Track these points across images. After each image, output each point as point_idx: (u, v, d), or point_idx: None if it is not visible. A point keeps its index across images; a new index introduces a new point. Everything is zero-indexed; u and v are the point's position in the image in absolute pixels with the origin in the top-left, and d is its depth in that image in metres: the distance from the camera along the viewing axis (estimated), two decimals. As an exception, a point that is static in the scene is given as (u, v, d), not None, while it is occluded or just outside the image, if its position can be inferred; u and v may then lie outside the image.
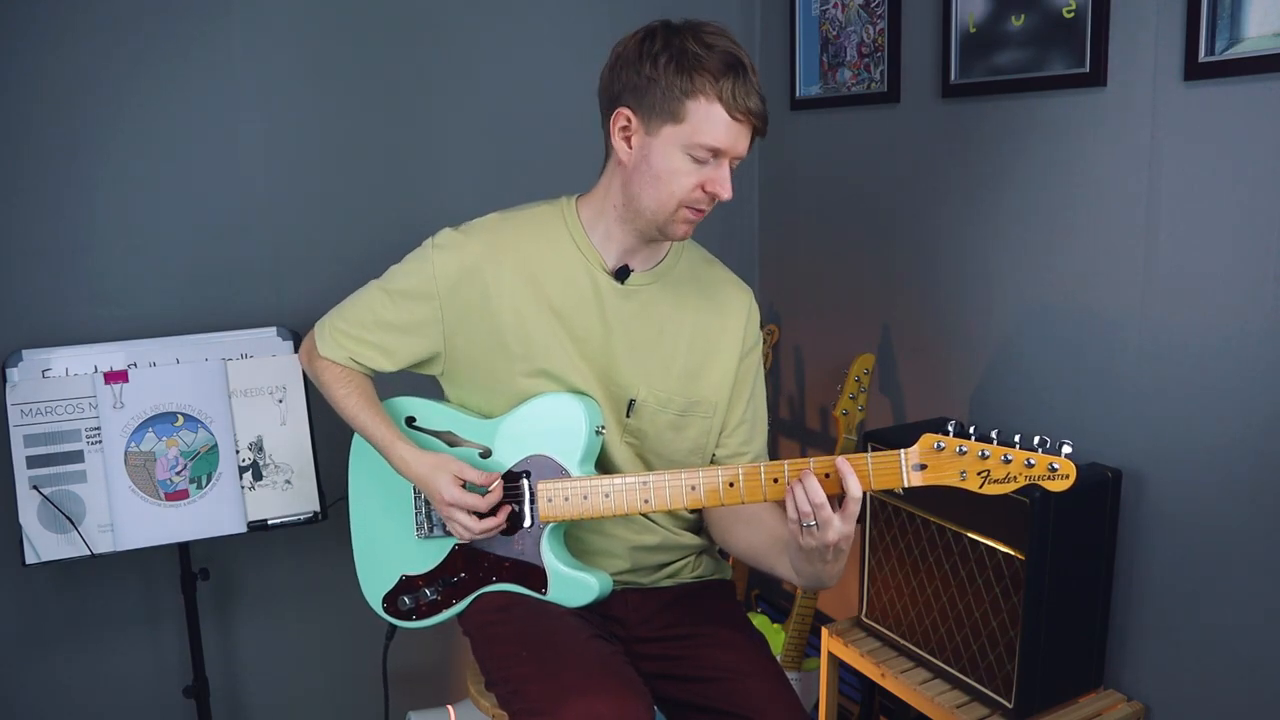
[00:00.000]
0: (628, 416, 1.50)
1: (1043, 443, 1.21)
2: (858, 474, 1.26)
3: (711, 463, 1.59)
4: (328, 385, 1.54)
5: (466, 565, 1.51)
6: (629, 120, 1.36)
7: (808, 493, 1.24)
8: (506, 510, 1.44)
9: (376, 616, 1.60)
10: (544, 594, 1.46)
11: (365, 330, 1.51)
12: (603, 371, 1.48)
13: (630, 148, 1.37)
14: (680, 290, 1.51)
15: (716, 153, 1.33)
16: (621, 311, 1.47)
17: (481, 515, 1.43)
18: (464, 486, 1.42)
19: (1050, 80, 1.80)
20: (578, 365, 1.47)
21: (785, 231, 2.55)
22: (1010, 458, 1.22)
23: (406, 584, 1.55)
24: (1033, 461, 1.21)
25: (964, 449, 1.23)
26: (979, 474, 1.23)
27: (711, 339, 1.53)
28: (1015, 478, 1.22)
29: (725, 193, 1.35)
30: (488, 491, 1.42)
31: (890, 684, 1.88)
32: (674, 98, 1.31)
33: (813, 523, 1.24)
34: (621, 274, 1.47)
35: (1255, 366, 1.56)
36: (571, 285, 1.46)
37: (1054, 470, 1.20)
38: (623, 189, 1.41)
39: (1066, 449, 1.20)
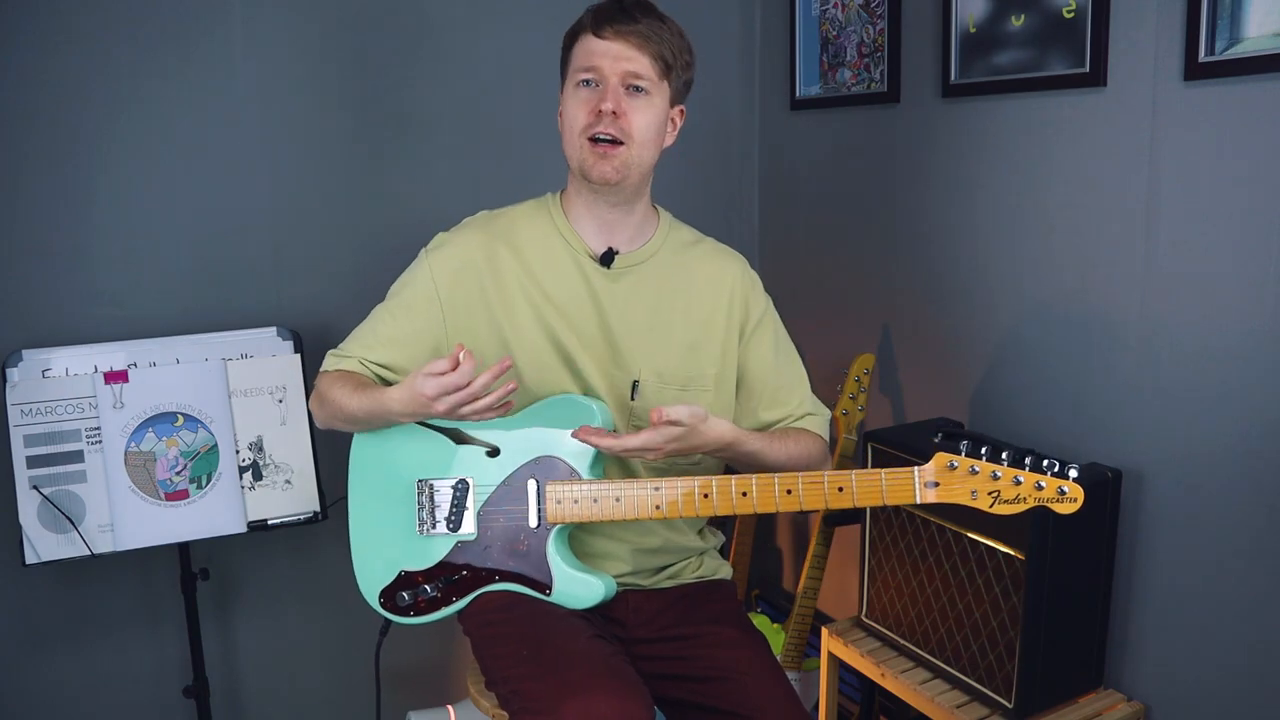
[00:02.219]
0: (632, 399, 1.50)
1: (1052, 465, 1.24)
2: (871, 491, 1.32)
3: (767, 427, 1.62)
4: (326, 393, 1.51)
5: (468, 563, 1.51)
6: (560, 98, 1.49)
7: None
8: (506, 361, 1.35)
9: (376, 616, 1.59)
10: (548, 595, 1.46)
11: (371, 351, 1.53)
12: (602, 358, 1.49)
13: (561, 122, 1.49)
14: (669, 268, 1.53)
15: (594, 72, 1.41)
16: (613, 295, 1.49)
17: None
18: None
19: (1050, 80, 1.80)
20: (579, 354, 1.48)
21: (785, 231, 2.55)
22: (1021, 479, 1.25)
23: (405, 580, 1.54)
24: (1043, 485, 1.24)
25: (976, 469, 1.26)
26: (989, 494, 1.26)
27: (706, 312, 1.54)
28: (1025, 499, 1.26)
29: (606, 104, 1.40)
30: (454, 368, 1.32)
31: (890, 684, 1.88)
32: (566, 52, 1.48)
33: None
34: (607, 259, 1.49)
35: (1255, 366, 1.56)
36: (562, 274, 1.49)
37: (1063, 494, 1.24)
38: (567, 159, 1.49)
39: (1073, 473, 1.23)
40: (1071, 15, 1.75)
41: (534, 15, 2.25)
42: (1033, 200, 1.87)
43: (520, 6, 2.23)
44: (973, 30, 1.94)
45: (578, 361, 1.48)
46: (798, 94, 2.42)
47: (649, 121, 1.43)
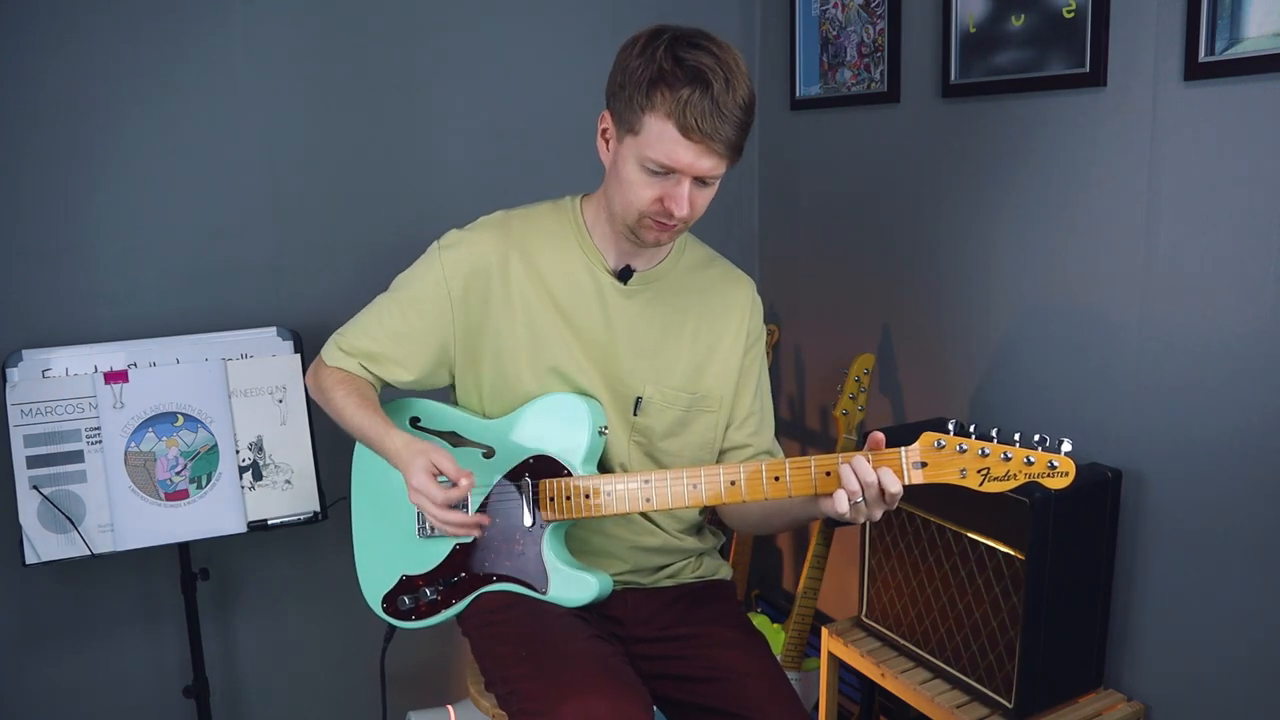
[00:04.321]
0: (635, 415, 1.50)
1: (1042, 441, 1.21)
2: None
3: (718, 456, 1.59)
4: (328, 390, 1.50)
5: (466, 565, 1.51)
6: (609, 124, 1.37)
7: (858, 473, 1.24)
8: (484, 519, 1.40)
9: (377, 616, 1.59)
10: (544, 594, 1.46)
11: (376, 343, 1.50)
12: (608, 371, 1.48)
13: (608, 150, 1.38)
14: (682, 288, 1.52)
15: (669, 169, 1.30)
16: (625, 311, 1.48)
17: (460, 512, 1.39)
18: (438, 478, 1.35)
19: (1050, 80, 1.80)
20: (583, 365, 1.47)
21: (785, 232, 2.55)
22: (1009, 455, 1.22)
23: (406, 584, 1.55)
24: (1032, 459, 1.21)
25: (964, 447, 1.23)
26: (979, 472, 1.23)
27: (715, 334, 1.53)
28: (1015, 475, 1.22)
29: (680, 210, 1.31)
30: (453, 485, 1.34)
31: (890, 684, 1.88)
32: (634, 110, 1.29)
33: (861, 500, 1.25)
34: (624, 275, 1.47)
35: (1255, 366, 1.56)
36: (576, 284, 1.47)
37: (1053, 468, 1.20)
38: (605, 190, 1.42)
39: (1066, 446, 1.20)
40: (1071, 15, 1.75)
41: (537, 13, 2.25)
42: (1033, 200, 1.87)
43: (523, 4, 2.23)
44: (973, 30, 1.93)
45: (581, 374, 1.47)
46: (797, 94, 2.42)
47: (709, 200, 1.37)
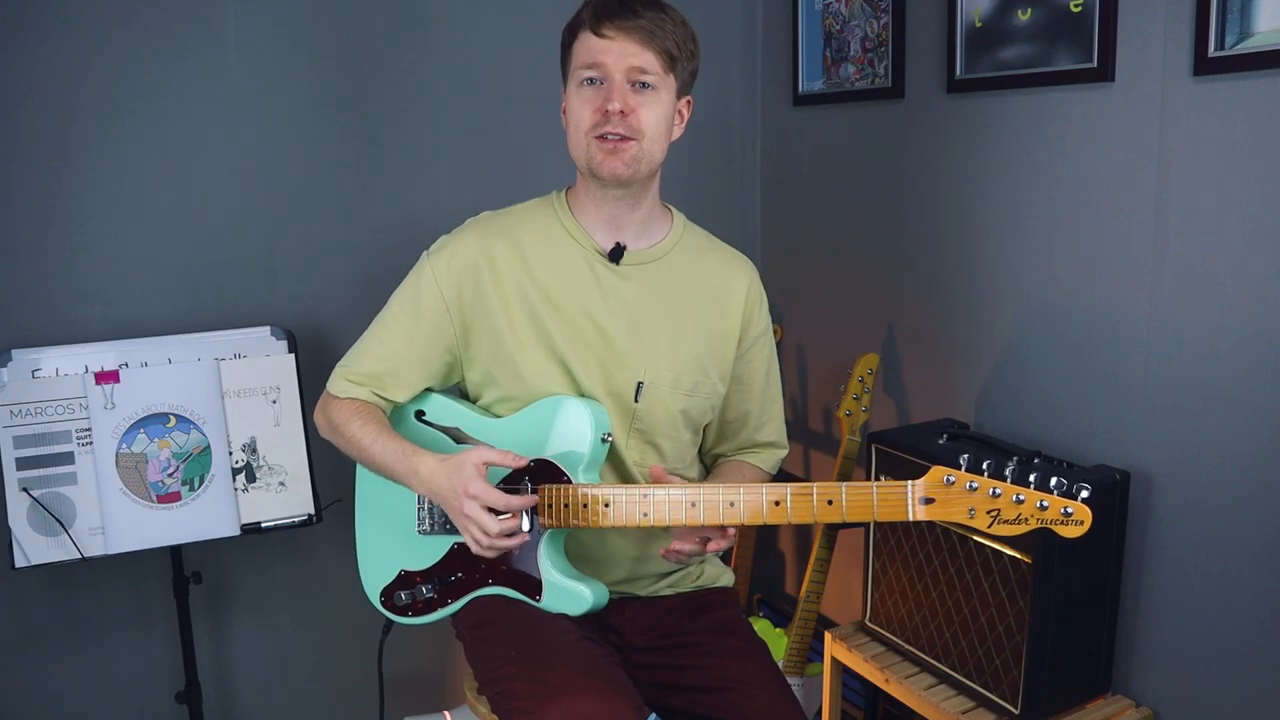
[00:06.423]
0: (636, 401, 1.48)
1: (1060, 483, 1.18)
2: (862, 505, 1.27)
3: (729, 450, 1.62)
4: (342, 424, 1.49)
5: (464, 565, 1.49)
6: (563, 95, 1.46)
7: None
8: (530, 499, 1.38)
9: (371, 621, 1.58)
10: (538, 601, 1.44)
11: (382, 364, 1.49)
12: (607, 357, 1.47)
13: (565, 118, 1.45)
14: (682, 270, 1.51)
15: (598, 69, 1.37)
16: (622, 294, 1.47)
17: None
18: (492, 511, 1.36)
19: (1057, 75, 1.77)
20: (580, 352, 1.46)
21: (788, 229, 2.53)
22: (1022, 498, 1.19)
23: (405, 579, 1.53)
24: (1045, 504, 1.18)
25: (974, 485, 1.20)
26: (988, 513, 1.20)
27: (717, 318, 1.53)
28: (1026, 520, 1.19)
29: (613, 104, 1.37)
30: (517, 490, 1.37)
31: (895, 689, 1.86)
32: (566, 51, 1.43)
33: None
34: (616, 254, 1.47)
35: (1265, 366, 1.54)
36: (569, 271, 1.46)
37: (1067, 515, 1.18)
38: (572, 156, 1.46)
39: (1084, 493, 1.17)
40: (1079, 9, 1.72)
41: (532, 10, 2.23)
42: (1040, 198, 1.85)
43: (517, 3, 2.20)
44: (978, 24, 1.91)
45: (573, 363, 1.45)
46: (800, 89, 2.39)
47: (658, 117, 1.39)
